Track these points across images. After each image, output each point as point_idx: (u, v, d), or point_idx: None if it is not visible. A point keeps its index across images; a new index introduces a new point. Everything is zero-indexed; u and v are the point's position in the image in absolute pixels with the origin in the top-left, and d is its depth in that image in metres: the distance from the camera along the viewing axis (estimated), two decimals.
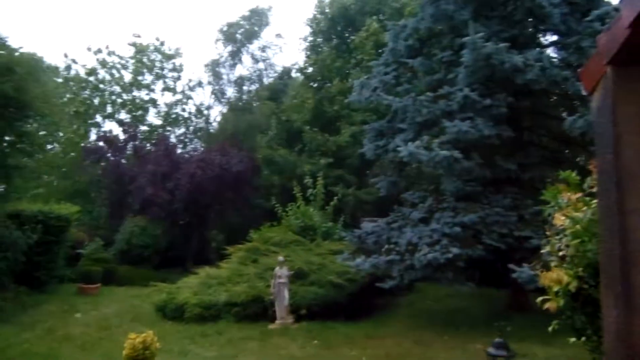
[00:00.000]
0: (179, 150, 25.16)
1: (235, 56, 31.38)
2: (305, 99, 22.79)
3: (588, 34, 9.71)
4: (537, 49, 10.23)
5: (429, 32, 12.04)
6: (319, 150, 21.64)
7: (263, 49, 31.38)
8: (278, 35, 32.44)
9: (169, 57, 28.97)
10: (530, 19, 10.74)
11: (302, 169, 20.23)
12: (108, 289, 15.91)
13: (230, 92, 31.64)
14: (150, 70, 28.51)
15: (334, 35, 24.96)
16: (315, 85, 23.95)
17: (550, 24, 10.50)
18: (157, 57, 28.81)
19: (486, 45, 9.68)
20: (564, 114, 9.47)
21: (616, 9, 9.53)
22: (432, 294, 13.83)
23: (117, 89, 27.81)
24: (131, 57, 28.09)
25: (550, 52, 11.24)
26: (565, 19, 10.38)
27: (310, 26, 26.66)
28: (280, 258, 11.41)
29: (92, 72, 27.37)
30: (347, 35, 24.34)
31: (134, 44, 28.12)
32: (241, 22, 31.04)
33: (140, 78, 28.30)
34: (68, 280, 16.00)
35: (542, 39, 11.75)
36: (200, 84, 30.88)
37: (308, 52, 26.57)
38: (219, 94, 31.44)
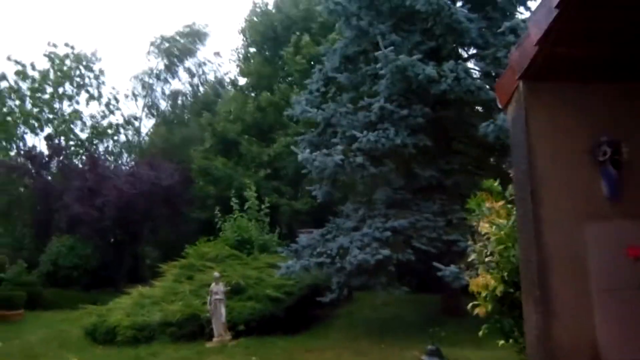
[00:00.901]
0: (107, 164, 24.25)
1: (169, 70, 30.78)
2: (243, 107, 22.55)
3: (503, 46, 10.29)
4: (455, 60, 10.66)
5: (354, 47, 12.32)
6: (255, 162, 21.47)
7: (200, 65, 31.01)
8: (217, 54, 32.00)
9: (86, 64, 27.57)
10: (450, 34, 11.17)
11: (238, 180, 19.97)
12: (33, 314, 15.00)
13: (164, 105, 31.01)
14: (70, 79, 27.09)
15: (265, 47, 24.87)
16: (252, 94, 23.80)
17: (468, 38, 10.95)
18: (75, 65, 27.40)
19: (398, 58, 10.03)
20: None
21: (524, 21, 10.14)
22: (369, 303, 13.95)
23: (39, 101, 26.35)
24: (51, 68, 26.59)
25: (471, 64, 11.76)
26: (483, 33, 10.90)
27: (243, 36, 26.39)
28: (216, 274, 11.17)
29: (12, 89, 25.80)
30: (277, 48, 24.32)
31: (49, 55, 26.64)
32: (177, 38, 30.48)
33: (61, 90, 26.92)
34: None
35: (462, 52, 12.28)
36: (134, 95, 29.99)
37: (241, 63, 26.34)
38: (151, 107, 30.72)
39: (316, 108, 11.74)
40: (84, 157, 24.44)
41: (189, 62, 31.03)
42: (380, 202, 11.08)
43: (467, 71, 10.45)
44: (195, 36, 30.81)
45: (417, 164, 10.98)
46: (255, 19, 25.24)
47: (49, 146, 23.39)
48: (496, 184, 4.49)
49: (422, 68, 10.02)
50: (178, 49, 30.50)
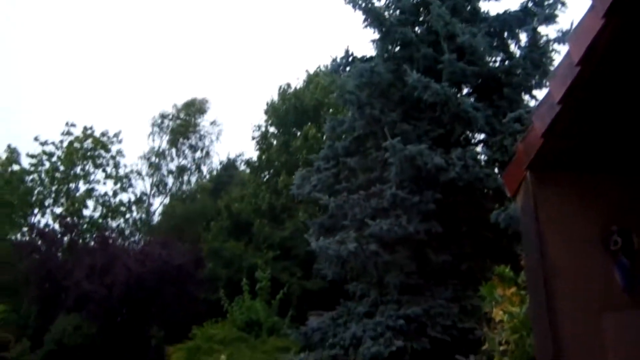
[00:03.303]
0: (118, 243, 24.25)
1: (172, 146, 31.26)
2: (257, 190, 22.83)
3: (509, 133, 10.45)
4: (462, 148, 10.84)
5: (364, 131, 12.52)
6: (266, 243, 21.45)
7: (200, 137, 31.49)
8: (213, 123, 32.09)
9: (106, 146, 28.26)
10: (457, 122, 11.40)
11: (248, 261, 19.87)
12: None
13: (171, 182, 31.34)
14: (90, 159, 27.77)
15: (282, 129, 25.33)
16: (266, 177, 24.13)
17: (476, 126, 11.17)
18: (95, 145, 28.11)
19: (406, 147, 10.24)
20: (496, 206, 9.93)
21: (528, 111, 10.33)
22: None
23: (57, 179, 26.90)
24: (69, 146, 27.27)
25: (480, 149, 11.94)
26: (490, 121, 11.10)
27: (266, 115, 26.53)
28: (223, 357, 10.88)
29: (38, 163, 26.47)
30: (294, 131, 24.75)
31: (67, 133, 27.42)
32: (175, 113, 31.23)
33: (78, 168, 27.55)
34: None
35: (471, 137, 12.48)
36: (139, 174, 30.37)
37: (259, 142, 26.42)
38: (159, 185, 31.06)
39: (328, 195, 11.75)
40: (95, 236, 24.54)
41: (192, 137, 31.58)
42: (393, 287, 10.87)
43: (475, 159, 10.60)
44: (195, 110, 31.50)
45: (430, 249, 10.90)
46: (275, 102, 25.91)
47: (61, 224, 23.58)
48: (507, 269, 4.45)
49: (431, 157, 10.20)
50: (179, 125, 31.10)
